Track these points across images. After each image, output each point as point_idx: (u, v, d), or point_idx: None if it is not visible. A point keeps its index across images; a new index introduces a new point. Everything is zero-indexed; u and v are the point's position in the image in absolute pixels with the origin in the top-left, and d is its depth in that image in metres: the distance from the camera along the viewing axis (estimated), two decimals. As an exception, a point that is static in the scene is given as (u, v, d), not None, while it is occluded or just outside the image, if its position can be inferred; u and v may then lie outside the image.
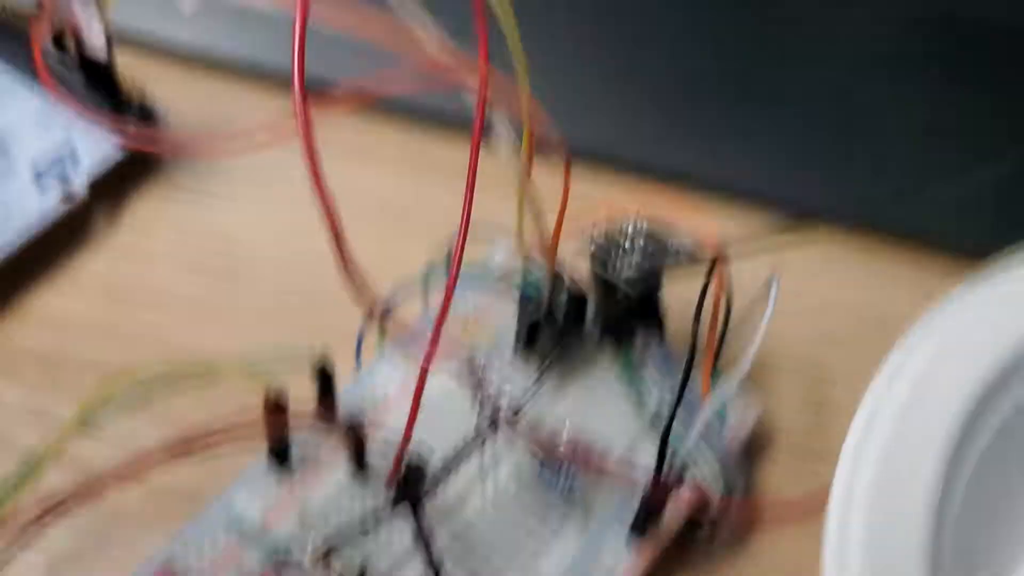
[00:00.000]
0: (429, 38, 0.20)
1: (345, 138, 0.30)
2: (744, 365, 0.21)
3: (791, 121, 0.29)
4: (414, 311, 0.24)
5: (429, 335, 0.23)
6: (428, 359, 0.20)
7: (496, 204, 0.24)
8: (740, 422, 0.23)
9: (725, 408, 0.23)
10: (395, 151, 0.30)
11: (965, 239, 0.28)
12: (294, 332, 0.25)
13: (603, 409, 0.23)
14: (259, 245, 0.28)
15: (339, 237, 0.15)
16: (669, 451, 0.21)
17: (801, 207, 0.28)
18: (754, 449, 0.24)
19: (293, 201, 0.28)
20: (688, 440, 0.20)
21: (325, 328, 0.22)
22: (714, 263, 0.21)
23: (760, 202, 0.28)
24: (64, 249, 0.27)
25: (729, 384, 0.21)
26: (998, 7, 0.32)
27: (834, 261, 0.29)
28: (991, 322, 0.21)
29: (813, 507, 0.24)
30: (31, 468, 0.19)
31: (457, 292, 0.24)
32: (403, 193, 0.29)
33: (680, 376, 0.22)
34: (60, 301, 0.26)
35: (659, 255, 0.21)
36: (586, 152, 0.28)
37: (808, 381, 0.26)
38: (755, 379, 0.26)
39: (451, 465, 0.19)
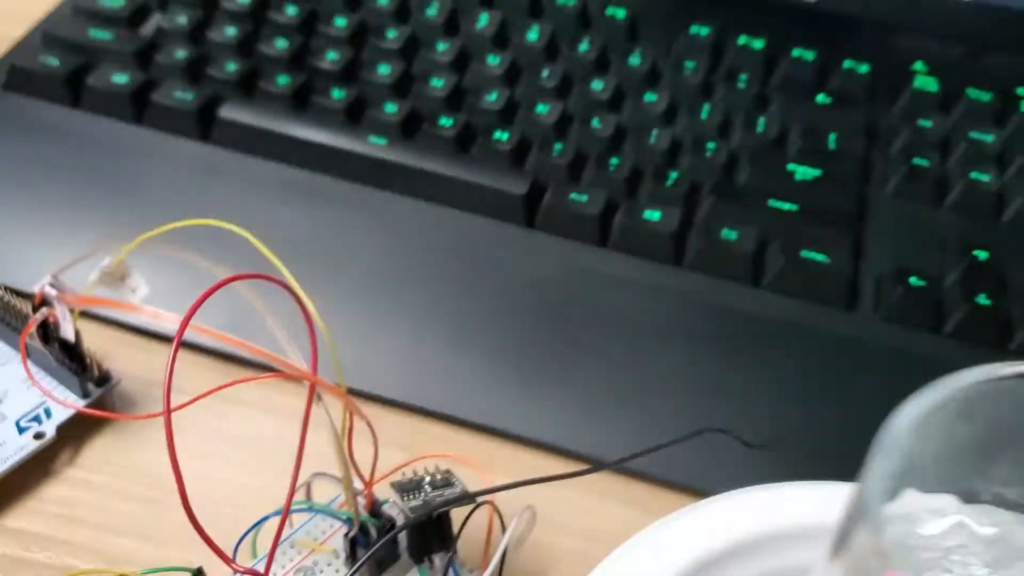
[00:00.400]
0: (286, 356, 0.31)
1: (257, 398, 0.40)
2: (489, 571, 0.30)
3: (574, 390, 0.40)
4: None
5: (289, 547, 0.33)
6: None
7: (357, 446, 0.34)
8: (504, 618, 0.32)
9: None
10: (286, 407, 0.40)
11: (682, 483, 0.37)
12: (197, 549, 0.35)
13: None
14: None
15: (185, 499, 0.24)
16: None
17: (579, 455, 0.38)
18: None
19: (213, 449, 0.38)
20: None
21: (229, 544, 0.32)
22: (476, 505, 0.31)
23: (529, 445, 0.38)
24: (32, 478, 0.37)
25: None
26: (743, 300, 0.43)
27: (608, 499, 0.38)
28: (673, 544, 0.30)
29: None
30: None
31: (311, 521, 0.34)
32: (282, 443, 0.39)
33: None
34: (24, 519, 0.35)
35: (440, 491, 0.31)
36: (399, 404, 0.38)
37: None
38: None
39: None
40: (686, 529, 0.31)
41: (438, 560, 0.33)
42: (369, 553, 0.29)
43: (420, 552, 0.33)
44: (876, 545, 0.19)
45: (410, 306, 0.42)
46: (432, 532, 0.32)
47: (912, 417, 0.19)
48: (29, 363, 0.39)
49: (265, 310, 0.30)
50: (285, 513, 0.29)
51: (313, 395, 0.29)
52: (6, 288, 0.39)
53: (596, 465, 0.35)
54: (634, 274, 0.43)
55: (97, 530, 0.35)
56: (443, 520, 0.32)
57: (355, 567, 0.29)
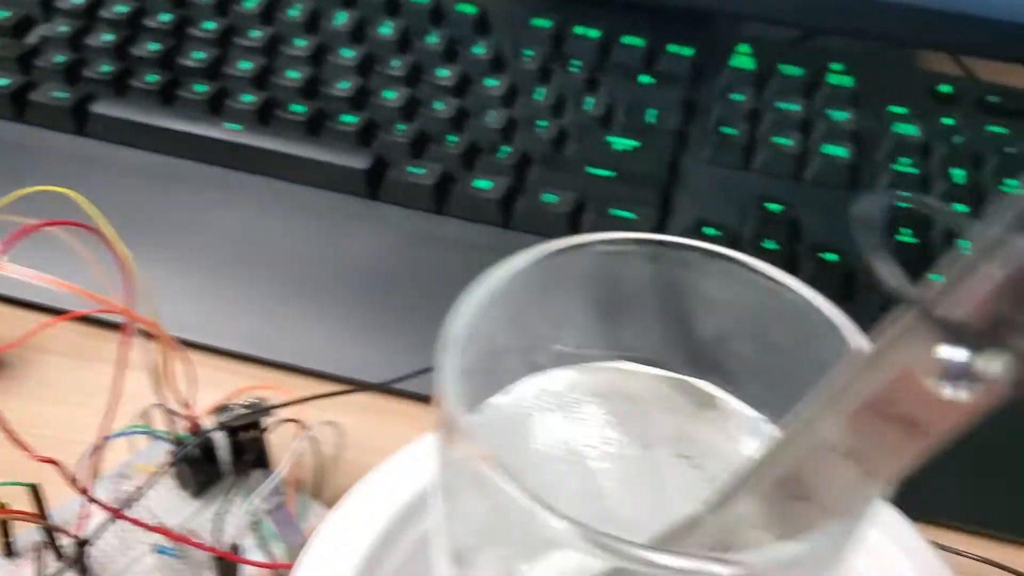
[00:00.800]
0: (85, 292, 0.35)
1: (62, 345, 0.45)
2: (279, 468, 0.35)
3: (404, 337, 0.44)
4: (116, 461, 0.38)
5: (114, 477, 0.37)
6: (84, 489, 0.34)
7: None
8: (315, 523, 0.37)
9: (307, 514, 0.37)
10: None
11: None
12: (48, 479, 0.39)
13: (227, 517, 0.37)
14: (38, 427, 0.42)
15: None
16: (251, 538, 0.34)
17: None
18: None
19: (65, 396, 0.43)
20: (241, 518, 0.34)
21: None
22: (289, 419, 0.36)
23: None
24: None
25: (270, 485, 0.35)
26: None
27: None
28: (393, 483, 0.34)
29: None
30: None
31: (144, 447, 0.38)
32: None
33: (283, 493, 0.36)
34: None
35: (247, 414, 0.36)
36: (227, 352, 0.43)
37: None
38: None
39: (96, 535, 0.32)
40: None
41: (256, 475, 0.37)
42: (181, 453, 0.34)
43: (239, 468, 0.37)
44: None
45: (259, 271, 0.46)
46: (250, 448, 0.37)
47: (468, 310, 0.24)
48: (-92, 329, 0.43)
49: (95, 267, 0.35)
50: (104, 434, 0.34)
51: (130, 329, 0.34)
52: None
53: (379, 385, 0.40)
54: (465, 236, 0.48)
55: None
56: (258, 438, 0.37)
57: (171, 463, 0.33)
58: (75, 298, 0.35)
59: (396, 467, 0.34)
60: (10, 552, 0.34)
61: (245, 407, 0.36)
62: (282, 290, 0.46)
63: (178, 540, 0.34)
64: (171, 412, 0.36)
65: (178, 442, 0.36)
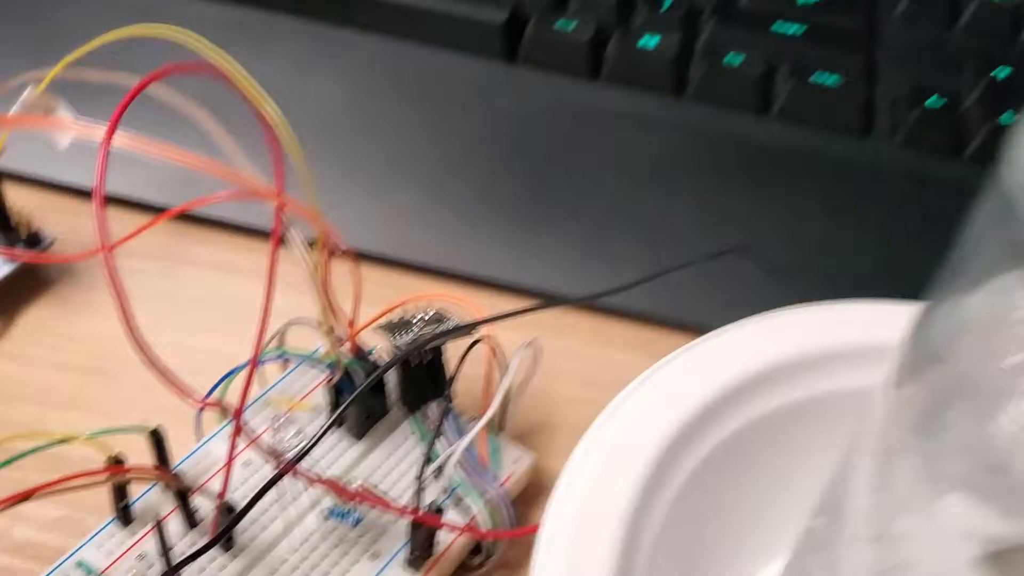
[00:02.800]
0: (239, 168, 0.26)
1: (211, 257, 0.36)
2: (486, 417, 0.26)
3: (567, 232, 0.35)
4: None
5: (250, 413, 0.29)
6: (236, 431, 0.25)
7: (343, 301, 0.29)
8: (512, 469, 0.28)
9: (500, 457, 0.28)
10: (250, 266, 0.36)
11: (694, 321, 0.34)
12: (151, 417, 0.31)
13: (403, 464, 0.28)
14: (127, 350, 0.33)
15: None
16: (441, 493, 0.26)
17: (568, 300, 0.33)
18: (532, 494, 0.29)
19: (158, 312, 0.34)
20: (444, 478, 0.26)
21: (174, 412, 0.27)
22: (475, 341, 0.27)
23: (527, 295, 0.34)
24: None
25: (473, 432, 0.26)
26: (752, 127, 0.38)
27: (616, 346, 0.34)
28: (686, 380, 0.26)
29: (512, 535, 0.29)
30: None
31: (290, 376, 0.30)
32: (240, 297, 0.35)
33: (466, 431, 0.28)
34: (-47, 397, 0.31)
35: (433, 328, 0.27)
36: (378, 258, 0.34)
37: (578, 439, 0.32)
38: (539, 436, 0.31)
39: (252, 501, 0.24)
40: (708, 357, 0.27)
41: (432, 409, 0.29)
42: (359, 390, 0.25)
43: (413, 400, 0.29)
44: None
45: (380, 154, 0.37)
46: (425, 375, 0.28)
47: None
48: (-55, 225, 0.34)
49: (223, 137, 0.26)
50: (255, 358, 0.25)
51: (281, 217, 0.25)
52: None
53: (593, 295, 0.31)
54: (630, 108, 0.39)
55: (37, 406, 0.31)
56: (436, 361, 0.28)
57: (341, 408, 0.25)
58: (187, 187, 0.26)
59: (652, 392, 0.26)
60: (127, 519, 0.26)
61: (425, 322, 0.28)
62: (414, 178, 0.36)
63: (361, 500, 0.25)
64: (330, 331, 0.27)
65: (346, 373, 0.27)
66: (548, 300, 0.33)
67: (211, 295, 0.35)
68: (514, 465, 0.29)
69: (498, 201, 0.36)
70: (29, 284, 0.34)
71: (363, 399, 0.28)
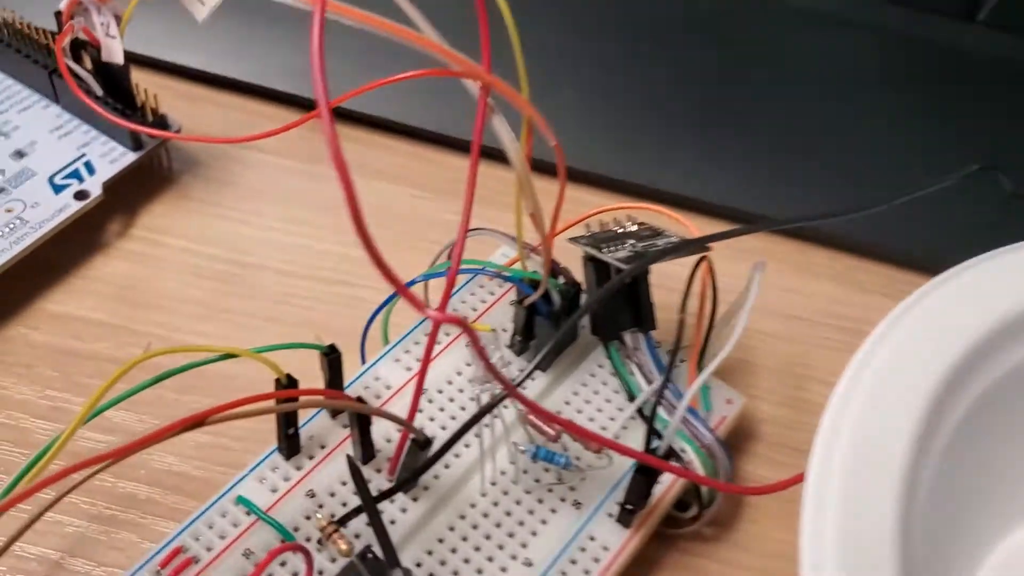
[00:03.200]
0: (435, 45, 0.22)
1: (356, 156, 0.32)
2: (725, 352, 0.22)
3: (761, 143, 0.31)
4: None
5: (430, 329, 0.25)
6: (429, 348, 0.21)
7: (495, 214, 0.25)
8: (724, 412, 0.24)
9: (710, 398, 0.24)
10: (392, 167, 0.32)
11: (919, 252, 0.29)
12: (294, 334, 0.27)
13: (595, 398, 0.24)
14: (264, 254, 0.29)
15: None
16: (656, 438, 0.22)
17: (776, 223, 0.29)
18: (736, 440, 0.26)
19: (297, 215, 0.30)
20: (673, 422, 0.22)
21: (324, 330, 0.23)
22: (702, 258, 0.23)
23: (738, 219, 0.30)
24: (78, 253, 0.28)
25: (709, 370, 0.22)
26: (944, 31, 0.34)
27: (819, 275, 0.30)
28: (955, 311, 0.22)
29: (792, 497, 0.25)
30: (41, 455, 0.20)
31: (462, 290, 0.26)
32: (398, 205, 0.31)
33: (666, 364, 0.24)
34: (75, 302, 0.27)
35: (650, 243, 0.23)
36: (571, 170, 0.30)
37: (789, 378, 0.28)
38: (739, 374, 0.27)
39: (451, 441, 0.20)
40: (982, 284, 0.23)
41: (630, 338, 0.25)
42: (580, 311, 0.20)
43: (608, 328, 0.25)
44: None
45: (575, 67, 0.33)
46: (623, 299, 0.24)
47: None
48: (59, 108, 0.30)
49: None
50: (456, 262, 0.21)
51: (487, 98, 0.21)
52: (27, 24, 0.29)
53: (820, 217, 0.26)
54: (825, 7, 0.34)
55: (167, 314, 0.27)
56: (641, 283, 0.24)
57: (547, 347, 0.20)
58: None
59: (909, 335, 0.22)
60: (292, 449, 0.22)
61: (639, 237, 0.23)
62: (604, 88, 0.32)
63: (589, 439, 0.21)
64: (526, 245, 0.23)
65: (542, 290, 0.23)
66: (768, 221, 0.29)
67: (377, 202, 0.31)
68: (727, 407, 0.25)
69: (684, 112, 0.32)
70: (149, 180, 0.30)
71: (558, 324, 0.24)
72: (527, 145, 0.22)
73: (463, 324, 0.16)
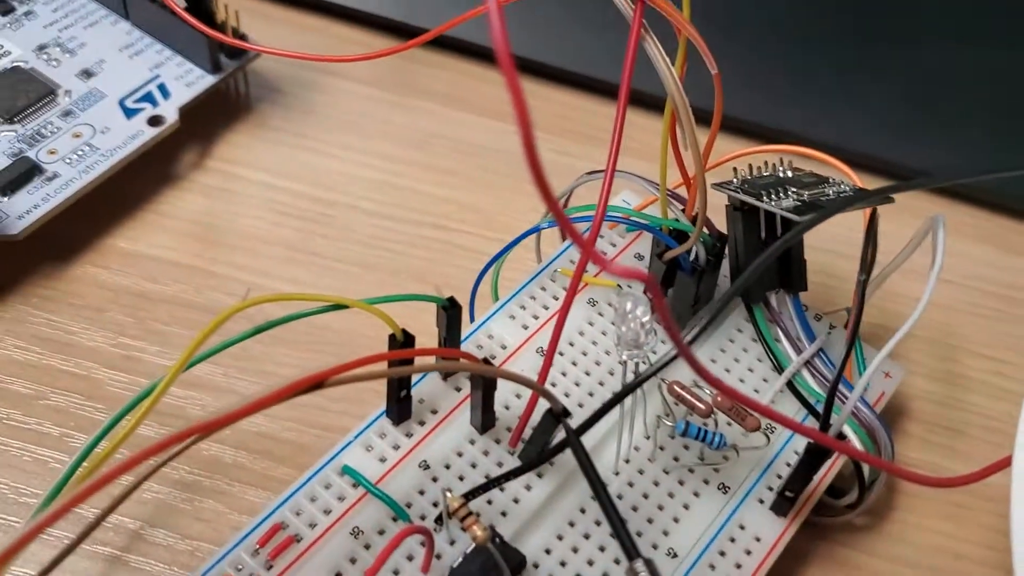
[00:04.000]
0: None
1: (448, 87, 0.29)
2: (908, 325, 0.19)
3: (902, 88, 0.28)
4: (525, 265, 0.23)
5: (549, 281, 0.22)
6: (567, 305, 0.18)
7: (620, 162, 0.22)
8: (882, 387, 0.22)
9: (865, 371, 0.22)
10: (492, 100, 0.29)
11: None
12: (391, 283, 0.24)
13: (736, 367, 0.21)
14: (352, 192, 0.26)
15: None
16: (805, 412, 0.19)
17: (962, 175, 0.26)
18: (888, 416, 0.23)
19: (387, 150, 0.27)
20: (845, 409, 0.19)
21: (421, 279, 0.21)
22: (873, 211, 0.20)
23: (876, 169, 0.27)
24: (151, 185, 0.25)
25: (889, 346, 0.19)
26: None
27: (965, 235, 0.27)
28: None
29: (952, 484, 0.22)
30: (122, 415, 0.17)
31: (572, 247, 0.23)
32: (503, 143, 0.28)
33: (816, 333, 0.21)
34: (147, 239, 0.24)
35: (818, 191, 0.20)
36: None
37: (942, 350, 0.25)
38: (885, 344, 0.24)
39: (601, 412, 0.17)
40: None
41: (774, 300, 0.22)
42: (750, 270, 0.17)
43: (755, 288, 0.22)
44: None
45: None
46: (779, 261, 0.21)
47: None
48: (129, 24, 0.27)
49: None
50: (603, 206, 0.18)
51: (641, 14, 0.17)
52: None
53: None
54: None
55: (247, 255, 0.24)
56: (794, 248, 0.21)
57: (718, 306, 0.17)
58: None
59: None
60: (402, 414, 0.19)
61: (803, 184, 0.20)
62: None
63: (765, 415, 0.18)
64: (670, 193, 0.20)
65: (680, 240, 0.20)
66: (951, 173, 0.26)
67: (447, 133, 0.28)
68: (885, 382, 0.22)
69: (818, 50, 0.28)
70: (227, 108, 0.27)
71: (699, 280, 0.21)
72: (681, 70, 0.19)
73: (648, 278, 0.13)
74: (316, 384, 0.16)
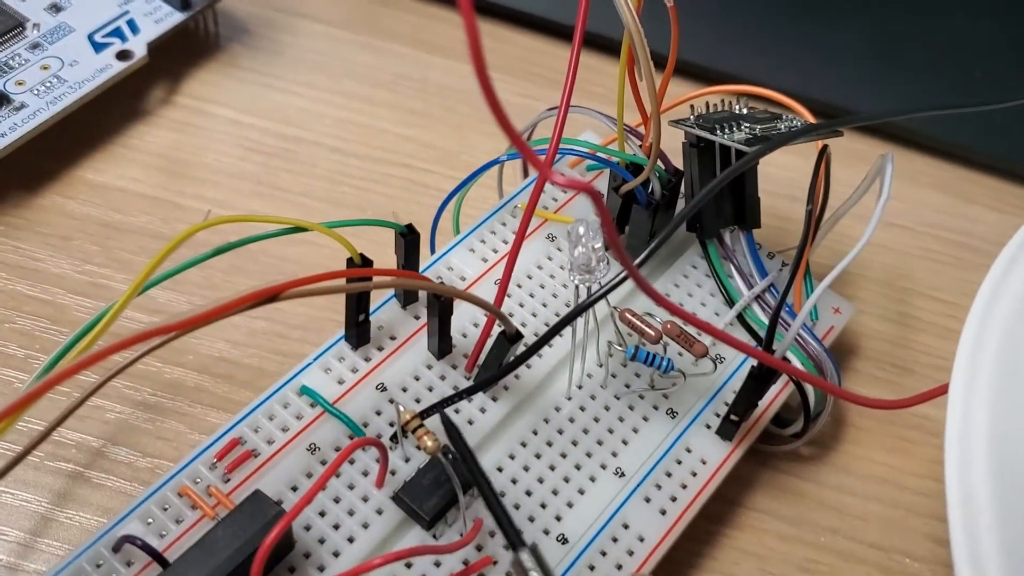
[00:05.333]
0: None
1: (414, 29, 0.29)
2: (850, 257, 0.19)
3: (862, 37, 0.28)
4: (487, 203, 0.23)
5: (509, 216, 0.22)
6: (521, 234, 0.19)
7: (578, 99, 0.23)
8: (832, 321, 0.22)
9: (816, 307, 0.22)
10: (453, 42, 0.29)
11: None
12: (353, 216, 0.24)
13: (689, 301, 0.22)
14: (317, 130, 0.26)
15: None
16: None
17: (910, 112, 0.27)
18: (837, 355, 0.23)
19: (353, 90, 0.27)
20: (788, 336, 0.19)
21: (385, 215, 0.21)
22: (824, 148, 0.20)
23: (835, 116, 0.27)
24: (119, 119, 0.26)
25: (832, 276, 0.20)
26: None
27: (922, 184, 0.28)
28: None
29: (897, 419, 0.23)
30: (83, 333, 0.17)
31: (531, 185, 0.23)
32: (464, 84, 0.28)
33: (768, 270, 0.22)
34: (115, 171, 0.25)
35: (771, 126, 0.20)
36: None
37: (895, 292, 0.25)
38: (838, 284, 0.25)
39: (550, 333, 0.18)
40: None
41: (728, 237, 0.22)
42: (697, 199, 0.18)
43: (708, 225, 0.22)
44: None
45: None
46: (728, 196, 0.22)
47: None
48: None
49: None
50: (558, 133, 0.18)
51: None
52: None
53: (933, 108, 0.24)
54: None
55: (213, 188, 0.25)
56: (750, 175, 0.22)
57: (663, 236, 0.18)
58: None
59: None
60: (361, 338, 0.20)
61: (756, 120, 0.21)
62: None
63: (712, 335, 0.19)
64: (628, 129, 0.20)
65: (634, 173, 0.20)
66: (901, 110, 0.26)
67: (413, 74, 0.28)
68: (834, 317, 0.22)
69: (784, 3, 0.29)
70: (195, 46, 0.28)
71: (654, 215, 0.21)
72: (639, 2, 0.19)
73: (587, 188, 0.13)
74: (272, 296, 0.16)
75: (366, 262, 0.18)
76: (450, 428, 0.18)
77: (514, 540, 0.16)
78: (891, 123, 0.27)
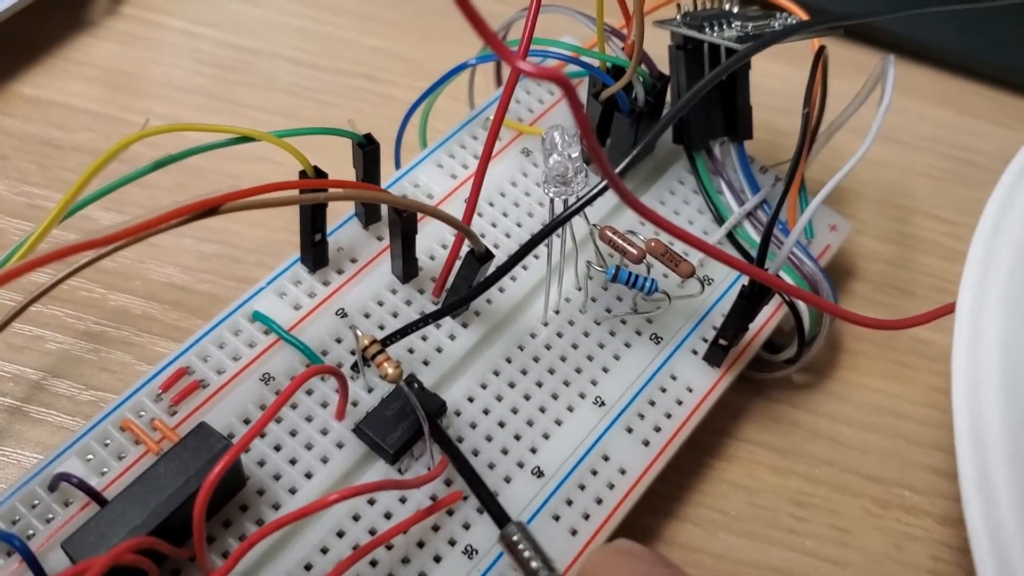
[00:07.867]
0: None
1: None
2: (846, 169, 0.18)
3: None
4: (456, 116, 0.21)
5: (480, 130, 0.21)
6: (491, 142, 0.17)
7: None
8: (828, 240, 0.21)
9: (811, 223, 0.21)
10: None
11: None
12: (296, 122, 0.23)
13: (676, 219, 0.20)
14: (276, 41, 0.24)
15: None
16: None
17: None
18: (834, 277, 0.22)
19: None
20: (781, 255, 0.18)
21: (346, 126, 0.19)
22: (821, 49, 0.18)
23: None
24: (61, 31, 0.24)
25: (825, 192, 0.18)
26: None
27: (924, 97, 0.26)
28: None
29: (896, 345, 0.21)
30: (11, 255, 0.16)
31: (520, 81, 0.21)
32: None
33: (760, 185, 0.20)
34: (56, 85, 0.23)
35: (764, 24, 0.18)
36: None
37: (894, 211, 0.24)
38: (835, 203, 0.23)
39: (522, 252, 0.16)
40: None
41: (718, 150, 0.21)
42: (680, 104, 0.16)
43: (697, 136, 0.21)
44: None
45: None
46: (717, 105, 0.20)
47: None
48: None
49: None
50: (530, 30, 0.16)
51: None
52: None
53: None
54: None
55: (162, 103, 0.23)
56: (740, 80, 0.20)
57: (641, 144, 0.16)
58: None
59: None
60: (318, 260, 0.18)
61: (744, 17, 0.19)
62: None
63: (701, 250, 0.17)
64: (610, 30, 0.18)
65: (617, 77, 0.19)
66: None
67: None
68: (831, 235, 0.21)
69: None
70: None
71: (637, 124, 0.20)
72: None
73: (560, 77, 0.11)
74: (210, 209, 0.14)
75: (320, 174, 0.17)
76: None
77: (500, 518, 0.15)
78: (890, 31, 0.26)
